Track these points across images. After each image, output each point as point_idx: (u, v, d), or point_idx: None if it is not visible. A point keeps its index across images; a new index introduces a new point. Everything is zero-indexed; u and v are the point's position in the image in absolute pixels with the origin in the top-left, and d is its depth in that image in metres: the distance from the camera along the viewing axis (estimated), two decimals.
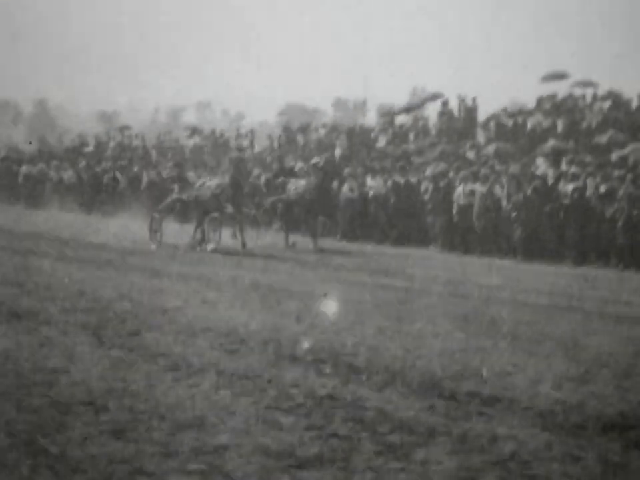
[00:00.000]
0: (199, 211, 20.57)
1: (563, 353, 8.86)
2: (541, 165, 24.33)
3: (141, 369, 7.45)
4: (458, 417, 6.45)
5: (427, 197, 24.46)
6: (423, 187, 24.78)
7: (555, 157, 24.54)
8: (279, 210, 23.04)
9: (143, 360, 7.75)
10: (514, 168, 24.01)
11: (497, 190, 23.00)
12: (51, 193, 34.04)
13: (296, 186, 22.48)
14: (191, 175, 25.89)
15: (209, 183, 21.21)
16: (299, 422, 6.22)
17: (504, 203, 22.60)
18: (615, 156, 23.69)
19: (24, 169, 35.75)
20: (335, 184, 24.66)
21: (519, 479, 5.35)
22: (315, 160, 24.42)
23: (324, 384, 7.22)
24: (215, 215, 20.40)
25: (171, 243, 19.93)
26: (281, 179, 24.20)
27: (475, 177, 23.60)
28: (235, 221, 21.04)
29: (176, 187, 21.64)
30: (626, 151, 23.85)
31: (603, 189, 21.12)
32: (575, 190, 21.36)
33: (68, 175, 34.15)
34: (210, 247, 19.94)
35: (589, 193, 21.43)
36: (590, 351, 9.06)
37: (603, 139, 25.49)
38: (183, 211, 21.16)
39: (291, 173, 24.93)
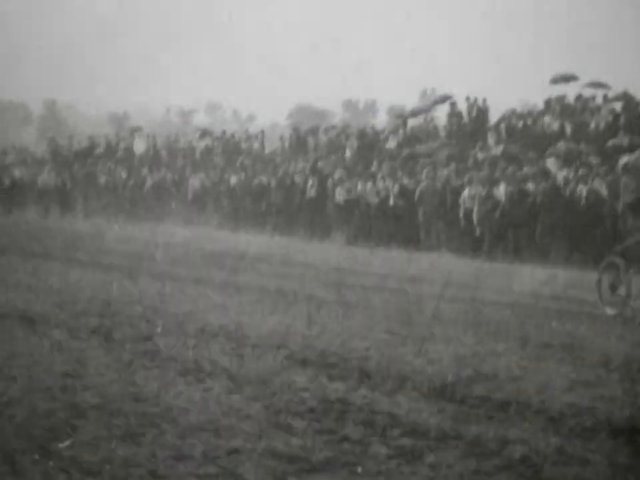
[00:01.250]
0: None
1: None
2: (552, 167, 24.27)
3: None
4: (469, 421, 6.46)
5: None
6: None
7: (565, 159, 24.46)
8: None
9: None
10: (525, 169, 23.96)
11: (500, 191, 22.99)
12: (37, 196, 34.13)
13: None
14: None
15: None
16: (311, 426, 6.24)
17: (507, 206, 22.53)
18: (621, 161, 23.57)
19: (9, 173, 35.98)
20: None
21: None
22: None
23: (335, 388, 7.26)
24: None
25: None
26: None
27: (481, 180, 23.59)
28: None
29: None
30: (632, 157, 23.65)
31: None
32: (590, 192, 21.26)
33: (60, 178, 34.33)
34: None
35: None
36: None
37: (622, 141, 25.18)
38: None
39: None
